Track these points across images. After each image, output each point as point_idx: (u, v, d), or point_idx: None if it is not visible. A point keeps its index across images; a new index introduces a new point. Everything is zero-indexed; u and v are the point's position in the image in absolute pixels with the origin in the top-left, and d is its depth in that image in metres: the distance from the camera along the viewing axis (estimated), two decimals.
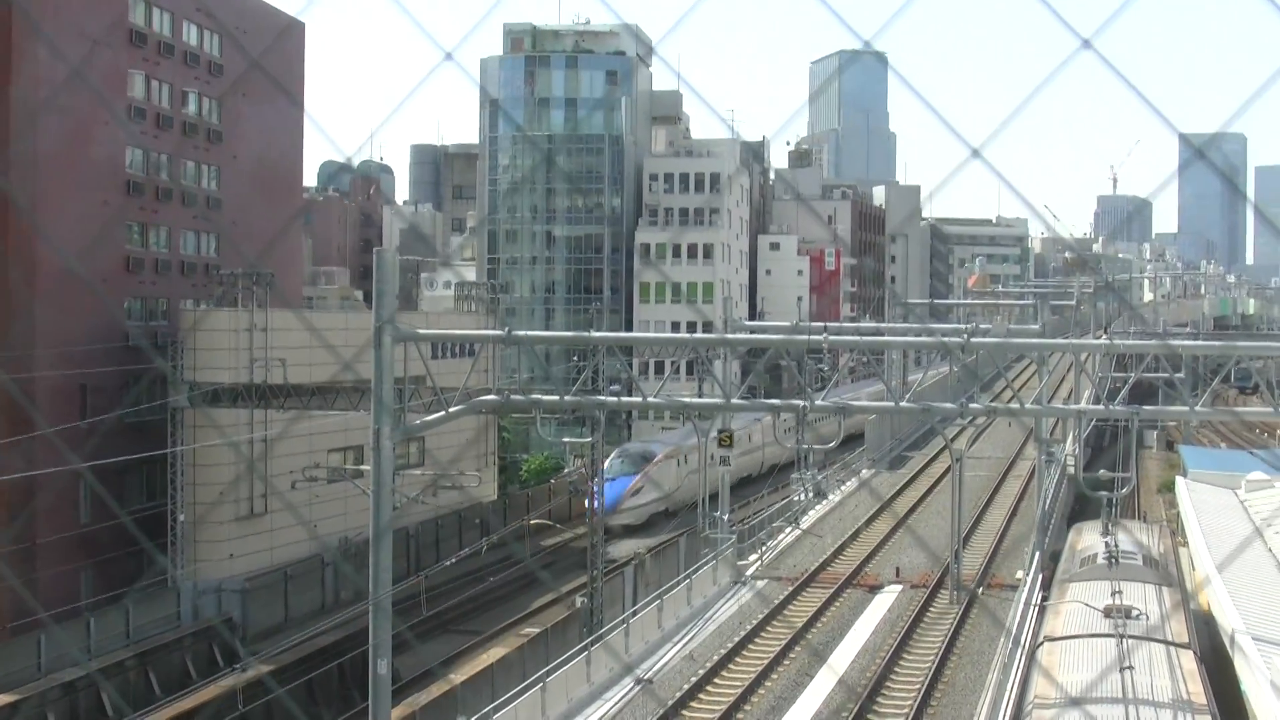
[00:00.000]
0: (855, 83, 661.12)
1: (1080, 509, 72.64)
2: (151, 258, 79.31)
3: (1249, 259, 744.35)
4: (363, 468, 57.31)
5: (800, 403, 36.95)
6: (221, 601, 64.46)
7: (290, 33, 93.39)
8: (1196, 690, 30.16)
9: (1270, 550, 48.00)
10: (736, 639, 46.22)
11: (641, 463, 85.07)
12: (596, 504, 63.74)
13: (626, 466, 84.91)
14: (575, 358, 75.81)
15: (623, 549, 78.30)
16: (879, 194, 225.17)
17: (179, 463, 69.86)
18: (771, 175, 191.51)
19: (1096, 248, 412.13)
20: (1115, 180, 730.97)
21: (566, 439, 67.25)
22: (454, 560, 60.53)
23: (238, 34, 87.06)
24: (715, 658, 43.96)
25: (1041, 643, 35.46)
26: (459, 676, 52.95)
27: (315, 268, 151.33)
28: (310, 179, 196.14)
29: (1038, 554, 52.50)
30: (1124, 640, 32.14)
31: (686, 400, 42.85)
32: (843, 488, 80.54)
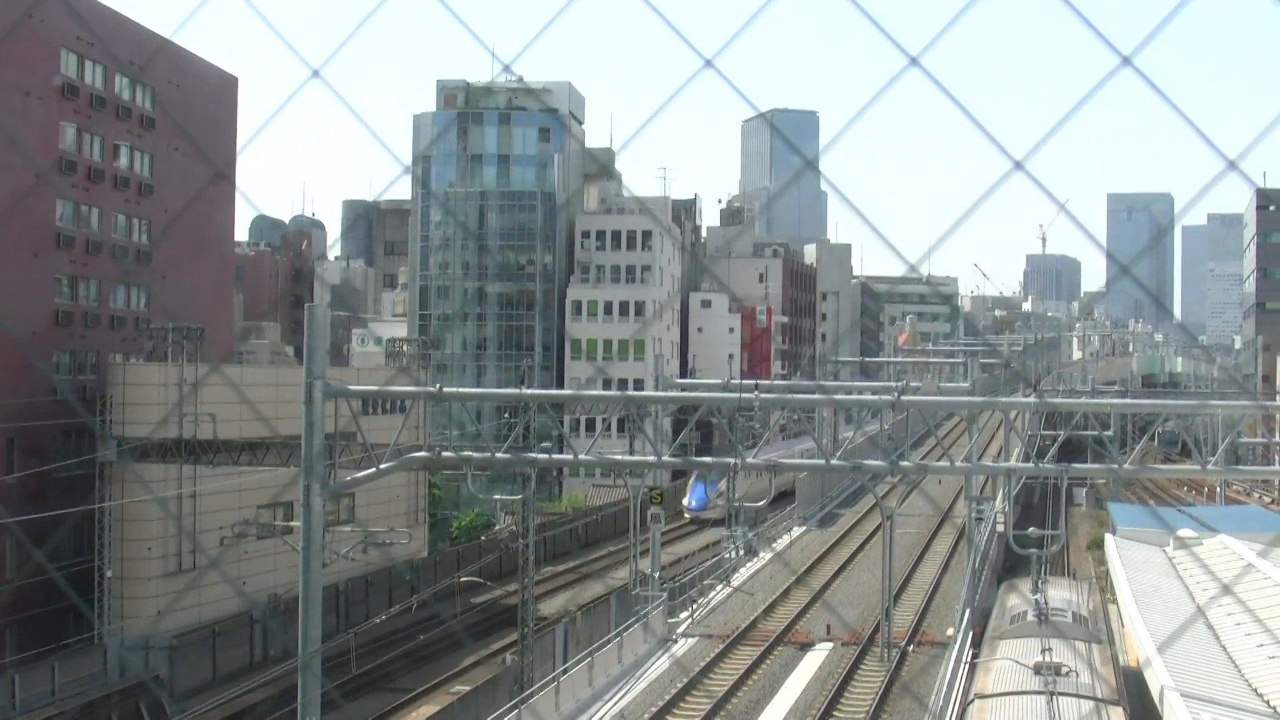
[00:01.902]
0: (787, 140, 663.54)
1: (1010, 566, 72.89)
2: (81, 311, 78.83)
3: (1177, 317, 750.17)
4: (292, 524, 57.03)
5: (731, 460, 37.00)
6: (149, 658, 63.91)
7: (223, 87, 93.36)
8: None
9: (1197, 605, 48.29)
10: (667, 697, 46.11)
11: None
12: (687, 501, 67.68)
13: (712, 476, 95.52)
14: (506, 414, 75.77)
15: (553, 606, 78.13)
16: (810, 252, 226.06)
17: (106, 518, 69.33)
18: (704, 232, 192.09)
19: (1026, 306, 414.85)
20: (1044, 239, 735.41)
21: (497, 496, 67.16)
22: (383, 618, 60.29)
23: (171, 88, 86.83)
24: (646, 716, 43.87)
25: (972, 700, 35.49)
26: None
27: (246, 322, 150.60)
28: (242, 233, 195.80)
29: (968, 611, 52.64)
30: (1054, 697, 32.22)
31: (618, 458, 42.87)
32: (773, 545, 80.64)
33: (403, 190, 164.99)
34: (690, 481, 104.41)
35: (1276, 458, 60.66)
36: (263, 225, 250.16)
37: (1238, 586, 49.90)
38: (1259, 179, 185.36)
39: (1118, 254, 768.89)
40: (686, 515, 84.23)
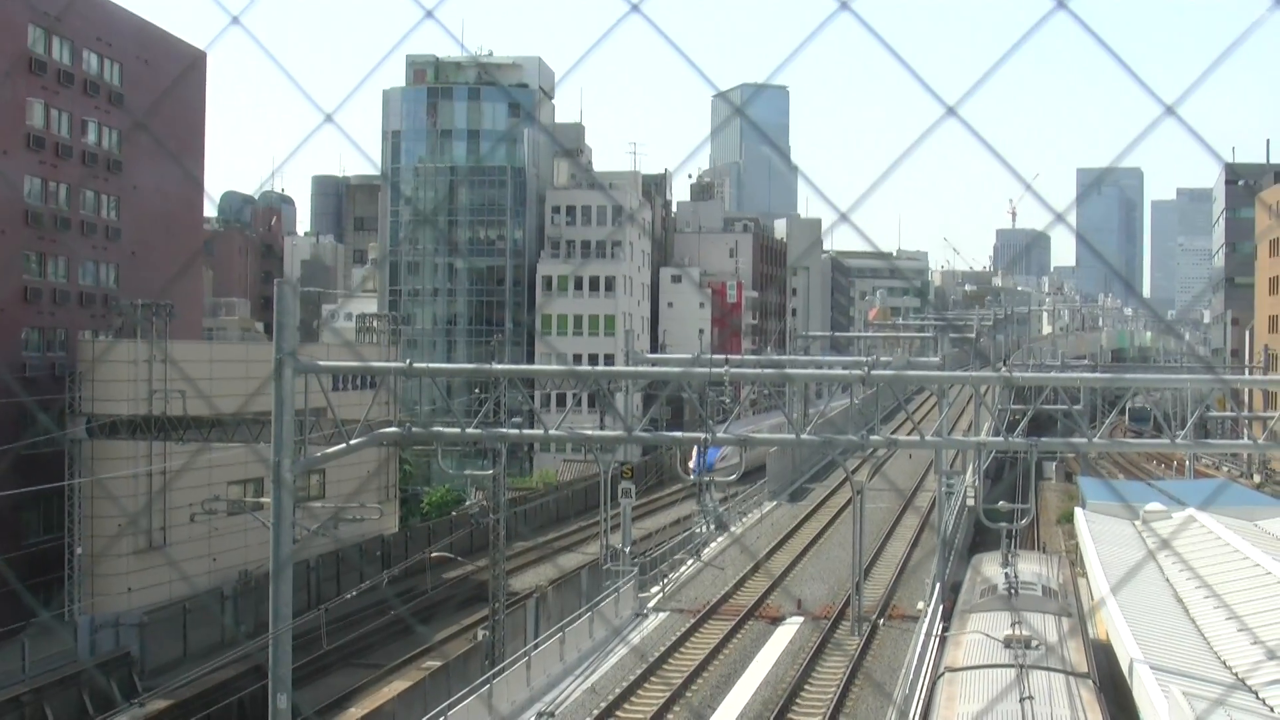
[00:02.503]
0: (757, 116, 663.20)
1: (980, 540, 73.05)
2: (50, 288, 78.55)
3: (1146, 292, 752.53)
4: (263, 500, 56.88)
5: (702, 435, 37.03)
6: (119, 636, 63.66)
7: (193, 63, 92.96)
8: (1095, 719, 30.36)
9: (1166, 579, 48.43)
10: (638, 671, 46.16)
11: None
12: (694, 464, 67.75)
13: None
14: (477, 390, 75.65)
15: (524, 581, 78.15)
16: (780, 227, 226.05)
17: (76, 496, 69.14)
18: (674, 207, 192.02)
19: (996, 281, 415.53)
20: (1014, 214, 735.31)
21: (468, 471, 67.04)
22: (354, 594, 60.17)
23: (139, 64, 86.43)
24: (617, 690, 43.90)
25: (942, 673, 35.56)
26: (360, 710, 52.53)
27: (216, 299, 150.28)
28: (211, 210, 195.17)
29: (938, 585, 52.76)
30: (1024, 670, 32.30)
31: (589, 433, 42.85)
32: (744, 520, 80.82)
33: (372, 166, 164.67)
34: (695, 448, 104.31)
35: (1245, 432, 60.79)
36: (232, 201, 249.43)
37: (1210, 562, 50.10)
38: (1227, 154, 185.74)
39: (1087, 229, 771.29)
40: (690, 478, 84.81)
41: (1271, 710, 30.89)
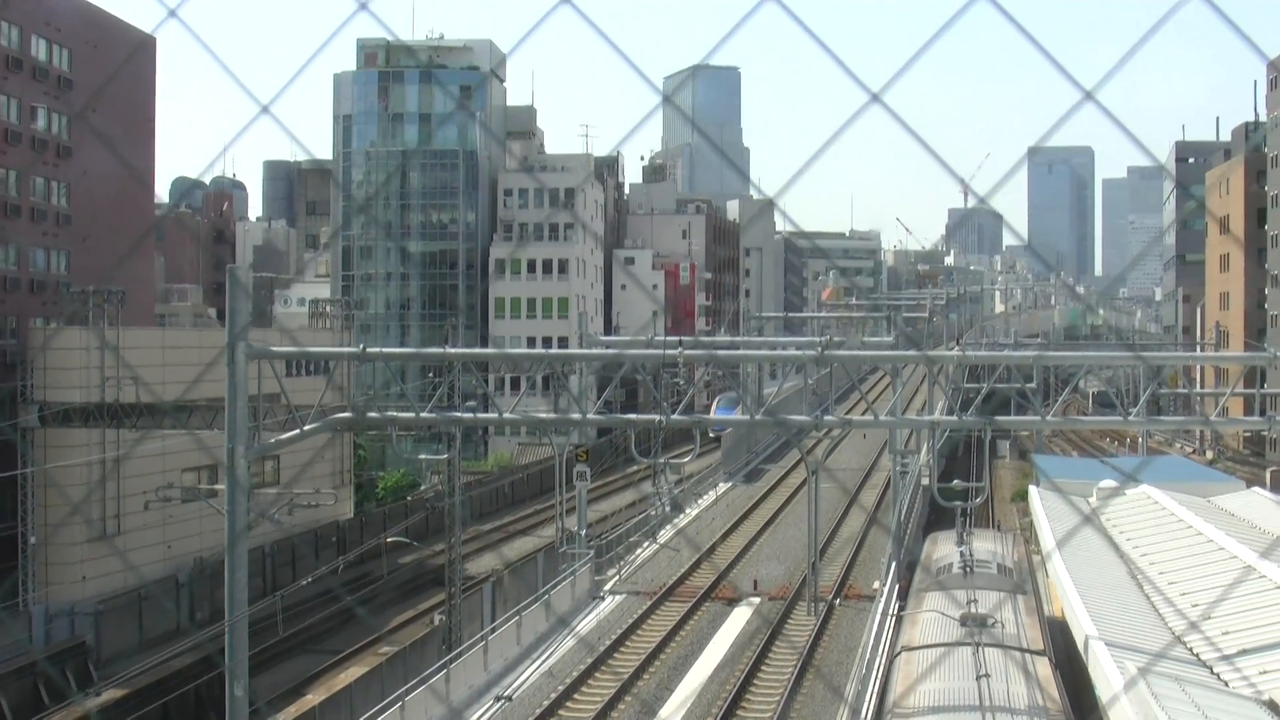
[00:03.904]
0: (709, 97, 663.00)
1: (936, 519, 73.29)
2: (0, 275, 78.15)
3: (1097, 270, 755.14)
4: (217, 487, 56.70)
5: (656, 417, 36.99)
6: (74, 624, 63.47)
7: (142, 48, 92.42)
8: (1052, 695, 30.44)
9: (1122, 556, 48.66)
10: (595, 654, 46.17)
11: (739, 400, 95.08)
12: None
13: (733, 400, 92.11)
14: (431, 374, 75.50)
15: (480, 565, 78.11)
16: (733, 208, 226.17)
17: (29, 484, 68.78)
18: (626, 189, 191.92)
19: (949, 260, 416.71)
20: (966, 194, 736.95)
21: (423, 455, 66.99)
22: (310, 579, 60.05)
23: (88, 49, 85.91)
24: (574, 673, 43.89)
25: (899, 652, 35.64)
26: (317, 697, 52.51)
27: (167, 285, 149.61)
28: (162, 195, 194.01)
29: (894, 564, 52.88)
30: (980, 648, 32.37)
31: (543, 415, 42.76)
32: (700, 500, 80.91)
33: (324, 150, 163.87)
34: (714, 407, 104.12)
35: (1196, 408, 61.11)
36: (183, 187, 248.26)
37: (1160, 537, 50.37)
38: (1177, 132, 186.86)
39: (1038, 208, 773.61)
40: (711, 435, 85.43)
41: (1226, 684, 31.08)
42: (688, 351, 38.70)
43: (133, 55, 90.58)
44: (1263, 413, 37.92)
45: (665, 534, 69.62)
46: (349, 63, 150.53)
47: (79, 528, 68.87)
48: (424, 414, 37.32)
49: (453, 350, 40.93)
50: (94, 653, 62.52)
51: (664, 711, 40.77)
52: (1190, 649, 34.62)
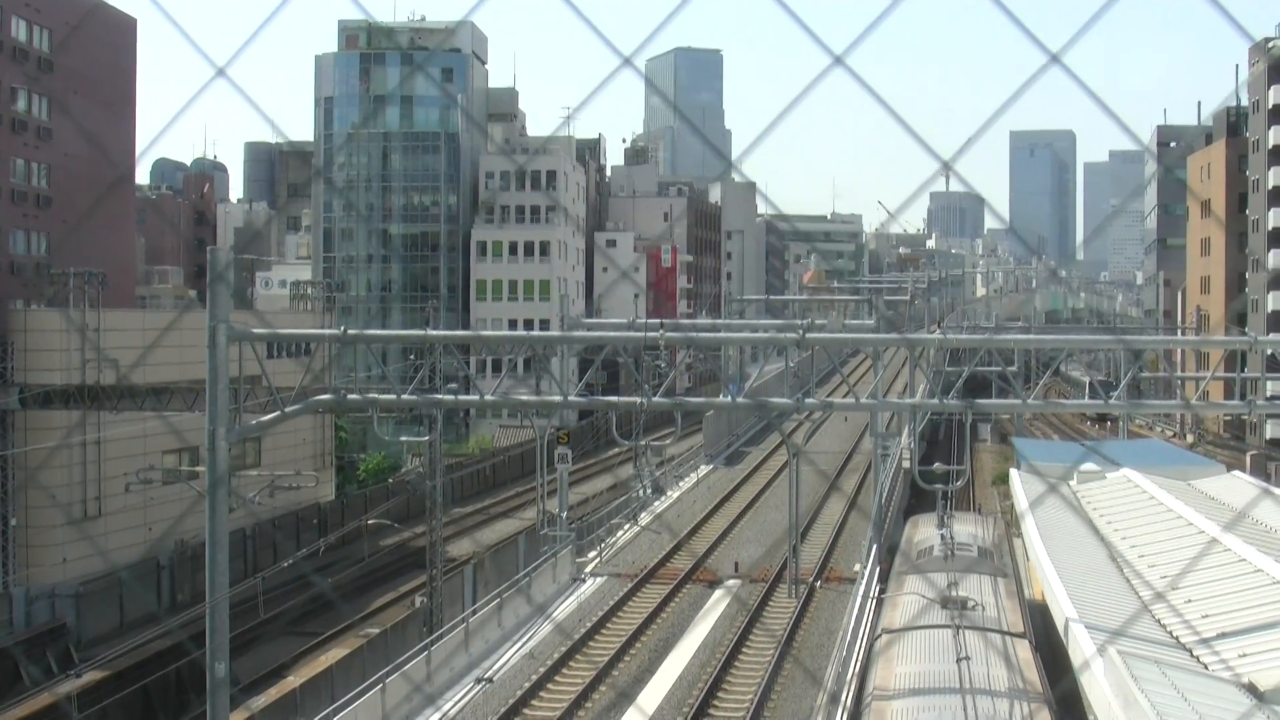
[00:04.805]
0: (691, 80, 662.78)
1: (916, 502, 73.38)
2: None
3: (1079, 254, 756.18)
4: (198, 469, 56.59)
5: (638, 399, 36.97)
6: (55, 607, 63.38)
7: (122, 29, 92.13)
8: (1032, 678, 30.54)
9: (1103, 539, 48.72)
10: (576, 637, 46.19)
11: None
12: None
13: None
14: (412, 356, 75.46)
15: (462, 547, 78.13)
16: (715, 191, 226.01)
17: (9, 466, 68.68)
18: (608, 172, 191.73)
19: (930, 244, 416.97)
20: (948, 177, 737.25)
21: (404, 438, 66.89)
22: (291, 561, 59.99)
23: (68, 29, 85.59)
24: (555, 656, 43.92)
25: (880, 635, 35.73)
26: (298, 679, 52.43)
27: (148, 267, 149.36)
28: (143, 177, 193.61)
29: (875, 547, 52.92)
30: (960, 631, 32.44)
31: (524, 398, 42.73)
32: (681, 483, 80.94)
33: (305, 132, 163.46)
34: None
35: (1178, 392, 61.25)
36: (164, 168, 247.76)
37: (1140, 521, 50.46)
38: (1159, 117, 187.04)
39: (1019, 191, 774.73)
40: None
41: (1205, 667, 31.16)
42: (669, 334, 38.69)
43: (113, 36, 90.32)
44: (1243, 397, 37.90)
45: (645, 517, 69.65)
46: (330, 45, 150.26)
47: (60, 510, 68.77)
48: (405, 396, 37.30)
49: (434, 333, 40.96)
50: (75, 634, 62.45)
51: (645, 693, 40.80)
52: (1170, 632, 34.70)
